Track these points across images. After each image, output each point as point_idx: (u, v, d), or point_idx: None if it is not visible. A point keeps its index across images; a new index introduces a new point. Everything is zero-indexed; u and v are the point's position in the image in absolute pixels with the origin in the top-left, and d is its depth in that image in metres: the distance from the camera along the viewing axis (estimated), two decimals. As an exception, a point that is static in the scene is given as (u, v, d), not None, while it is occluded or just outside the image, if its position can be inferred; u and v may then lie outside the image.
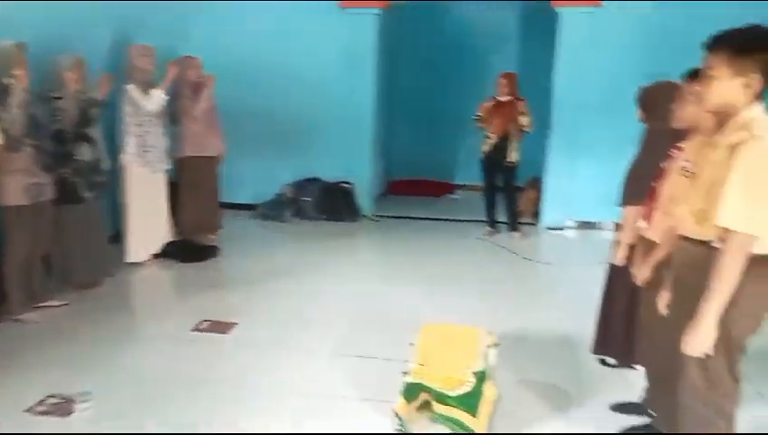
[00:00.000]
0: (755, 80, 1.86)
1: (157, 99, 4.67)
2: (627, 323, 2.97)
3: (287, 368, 3.27)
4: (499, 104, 5.74)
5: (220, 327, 3.76)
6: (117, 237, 4.87)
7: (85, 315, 3.90)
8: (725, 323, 1.90)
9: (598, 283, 3.21)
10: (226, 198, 6.11)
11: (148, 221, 4.85)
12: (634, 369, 3.07)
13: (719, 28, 1.95)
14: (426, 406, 2.61)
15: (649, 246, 2.57)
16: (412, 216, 6.81)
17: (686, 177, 2.12)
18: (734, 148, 1.86)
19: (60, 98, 3.98)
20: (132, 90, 4.60)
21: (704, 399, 2.00)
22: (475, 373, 2.54)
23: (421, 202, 7.48)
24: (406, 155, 8.31)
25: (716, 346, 1.92)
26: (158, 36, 5.33)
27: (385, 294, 4.45)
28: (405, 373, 2.67)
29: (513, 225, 6.06)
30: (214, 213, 5.46)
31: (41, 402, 2.84)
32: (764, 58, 1.85)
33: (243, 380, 3.13)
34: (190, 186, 5.18)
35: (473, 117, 5.89)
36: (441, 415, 2.55)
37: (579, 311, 3.83)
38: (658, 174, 2.53)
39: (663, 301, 2.30)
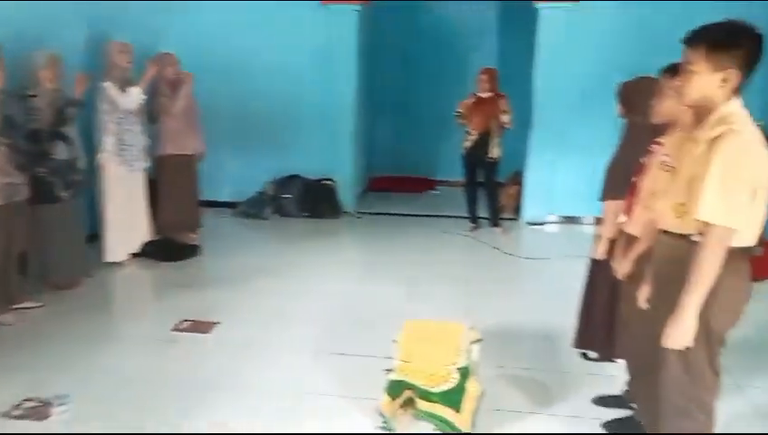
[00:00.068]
0: (733, 74, 1.87)
1: (134, 97, 4.59)
2: (608, 317, 2.99)
3: (270, 367, 3.25)
4: (480, 100, 5.74)
5: (201, 327, 3.72)
6: (95, 237, 4.79)
7: (62, 317, 3.84)
8: (705, 316, 1.92)
9: (579, 277, 3.23)
10: (207, 196, 6.06)
11: (126, 220, 4.78)
12: (615, 362, 3.09)
13: (697, 23, 1.96)
14: (409, 403, 2.61)
15: (630, 240, 2.58)
16: (394, 212, 6.81)
17: (666, 171, 2.13)
18: (712, 142, 1.87)
19: (35, 96, 3.90)
20: (109, 87, 4.52)
21: (684, 392, 2.02)
22: (458, 369, 2.54)
23: (403, 198, 7.48)
24: (387, 151, 8.31)
25: (697, 339, 1.93)
26: (134, 33, 5.24)
27: (367, 291, 4.44)
28: (388, 371, 2.66)
29: (495, 220, 6.08)
30: (193, 211, 5.39)
31: (17, 406, 2.79)
32: (741, 53, 1.86)
33: (225, 380, 3.10)
34: (169, 184, 5.11)
35: (454, 113, 5.89)
36: (425, 412, 2.55)
37: (560, 305, 3.84)
38: (639, 169, 2.55)
39: (643, 295, 2.32)
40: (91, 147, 4.59)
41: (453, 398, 2.49)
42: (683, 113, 2.31)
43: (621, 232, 2.71)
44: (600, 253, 2.96)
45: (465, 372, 2.56)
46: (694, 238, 1.95)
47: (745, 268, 1.97)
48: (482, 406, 2.76)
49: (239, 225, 6.27)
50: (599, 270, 3.03)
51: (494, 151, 5.78)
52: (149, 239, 5.03)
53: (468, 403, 2.55)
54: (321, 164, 6.59)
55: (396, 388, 2.56)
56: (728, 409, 2.36)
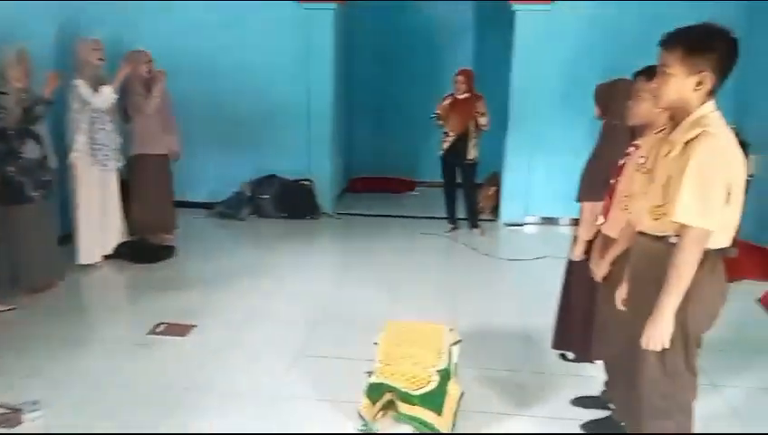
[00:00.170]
0: (708, 77, 1.89)
1: (106, 96, 4.49)
2: (585, 319, 3.00)
3: (248, 370, 3.21)
4: (457, 102, 5.75)
5: (178, 330, 3.66)
6: (67, 238, 4.69)
7: (34, 320, 3.75)
8: (682, 317, 1.94)
9: (557, 278, 3.24)
10: (182, 196, 5.98)
11: (99, 221, 4.70)
12: (593, 363, 3.11)
13: (672, 25, 1.98)
14: (390, 406, 2.59)
15: (607, 241, 2.60)
16: (373, 213, 6.79)
17: (643, 173, 2.14)
18: (688, 144, 1.89)
19: (4, 93, 3.80)
20: (81, 85, 4.42)
21: (662, 392, 2.04)
22: (438, 371, 2.53)
23: (382, 199, 7.47)
24: (366, 152, 8.29)
25: (674, 340, 1.95)
26: (106, 29, 5.15)
27: (346, 292, 4.41)
28: (369, 373, 2.65)
29: (474, 221, 6.09)
30: (168, 212, 5.30)
31: (-14, 414, 2.71)
32: (716, 56, 1.88)
33: (202, 384, 3.05)
34: (143, 184, 5.02)
35: (431, 116, 5.89)
36: (405, 415, 2.53)
37: (538, 306, 3.87)
38: (616, 170, 2.57)
39: (620, 296, 2.33)
40: (63, 145, 4.49)
41: (434, 400, 2.48)
42: (658, 116, 2.34)
43: (599, 233, 2.73)
44: (578, 254, 2.98)
45: (445, 375, 2.55)
46: (671, 240, 1.96)
47: (721, 270, 2.00)
48: (462, 408, 2.76)
49: (215, 226, 6.20)
50: (576, 271, 3.04)
51: (472, 153, 5.79)
52: (124, 240, 4.95)
53: (449, 406, 2.54)
54: (298, 164, 6.54)
55: (376, 391, 2.54)
56: (705, 409, 2.39)
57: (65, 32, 4.96)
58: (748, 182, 1.95)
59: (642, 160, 2.18)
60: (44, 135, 4.07)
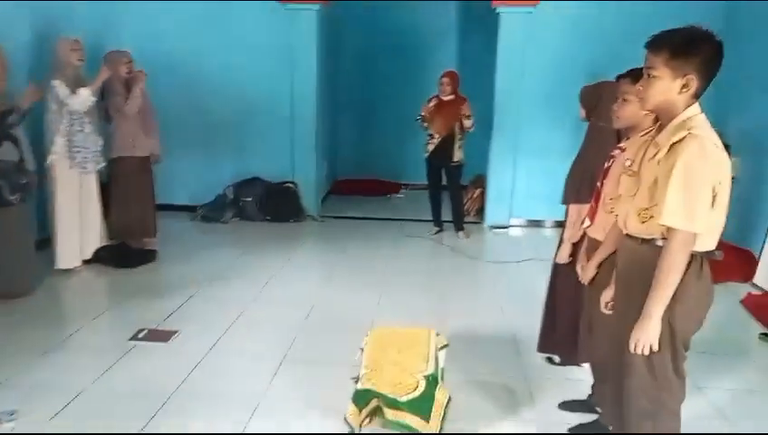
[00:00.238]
0: (693, 80, 1.89)
1: (83, 99, 4.39)
2: (571, 322, 3.00)
3: (232, 377, 3.16)
4: (442, 104, 5.74)
5: (160, 336, 3.60)
6: (45, 243, 4.60)
7: (11, 327, 3.66)
8: (670, 320, 1.93)
9: (542, 281, 3.24)
10: (165, 199, 5.91)
11: (78, 225, 4.60)
12: (580, 366, 3.11)
13: (656, 27, 1.98)
14: (377, 412, 2.55)
15: (593, 244, 2.59)
16: (358, 216, 6.77)
17: (629, 175, 2.14)
18: (673, 147, 1.89)
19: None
20: (59, 86, 4.33)
21: (650, 396, 2.03)
22: (426, 377, 2.50)
23: (367, 202, 7.44)
24: (351, 154, 8.28)
25: (661, 343, 1.94)
26: (85, 29, 5.06)
27: (331, 296, 4.37)
28: (355, 379, 2.61)
29: (459, 224, 6.08)
30: (149, 216, 5.21)
31: (-40, 424, 2.63)
32: (700, 59, 1.88)
33: (185, 391, 2.99)
34: (124, 187, 4.94)
35: (416, 118, 5.87)
36: (393, 421, 2.50)
37: (524, 309, 3.87)
38: (601, 173, 2.56)
39: (605, 298, 2.33)
40: (42, 147, 4.39)
41: (421, 406, 2.45)
42: (644, 118, 2.34)
43: (585, 236, 2.73)
44: (564, 257, 2.97)
45: (432, 380, 2.52)
46: (657, 243, 1.96)
47: (707, 272, 1.99)
48: (449, 413, 2.73)
49: (198, 229, 6.13)
50: (562, 274, 3.04)
51: (457, 155, 5.79)
52: (103, 245, 4.86)
53: (436, 411, 2.51)
54: (282, 166, 6.50)
55: (362, 397, 2.50)
56: (690, 411, 2.38)
57: (44, 31, 4.86)
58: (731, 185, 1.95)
59: (628, 163, 2.18)
60: (22, 137, 3.98)
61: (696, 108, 1.94)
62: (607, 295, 2.33)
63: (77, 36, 4.54)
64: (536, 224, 6.47)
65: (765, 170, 4.98)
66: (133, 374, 3.15)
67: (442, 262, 5.32)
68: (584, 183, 2.81)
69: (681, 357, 2.01)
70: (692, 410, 2.70)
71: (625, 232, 2.13)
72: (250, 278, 4.65)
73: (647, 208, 1.99)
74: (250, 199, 6.34)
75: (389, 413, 2.49)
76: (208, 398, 2.93)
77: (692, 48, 1.88)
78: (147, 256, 4.98)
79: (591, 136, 2.94)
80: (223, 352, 3.42)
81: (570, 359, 3.16)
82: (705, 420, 2.82)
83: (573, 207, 2.91)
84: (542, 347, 3.26)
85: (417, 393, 2.46)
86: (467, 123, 5.68)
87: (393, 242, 5.83)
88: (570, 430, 2.73)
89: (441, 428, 2.59)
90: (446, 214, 6.11)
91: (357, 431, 2.51)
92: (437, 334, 2.83)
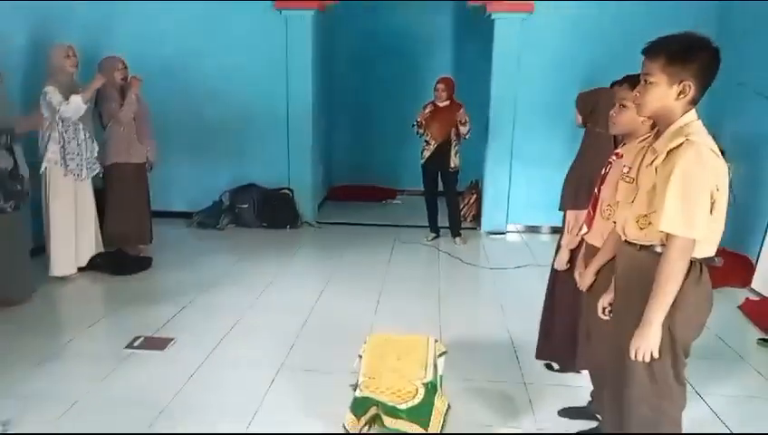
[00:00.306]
0: (690, 86, 1.89)
1: (74, 106, 4.34)
2: (571, 328, 2.99)
3: (229, 385, 3.13)
4: (438, 110, 5.74)
5: (156, 344, 3.57)
6: (40, 250, 4.57)
7: (6, 335, 3.63)
8: (670, 327, 1.93)
9: (540, 287, 3.23)
10: (160, 206, 5.89)
11: (73, 232, 4.58)
12: (579, 373, 3.10)
13: (651, 34, 1.98)
14: (376, 419, 2.54)
15: (591, 250, 2.59)
16: (354, 222, 6.75)
17: (627, 182, 2.14)
18: (671, 153, 1.89)
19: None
20: (52, 93, 4.30)
21: (650, 403, 2.02)
22: (425, 384, 2.49)
23: (363, 208, 7.43)
24: (347, 160, 8.27)
25: (662, 350, 1.93)
26: (80, 34, 5.05)
27: (328, 303, 4.35)
28: (353, 387, 2.59)
29: (456, 230, 6.08)
30: (145, 222, 5.19)
31: (-47, 435, 2.61)
32: (697, 66, 1.88)
33: (182, 399, 2.97)
34: (119, 194, 4.92)
35: (412, 124, 5.87)
36: (392, 429, 2.48)
37: (522, 316, 3.86)
38: (598, 179, 2.56)
39: (602, 305, 2.32)
40: (36, 154, 4.38)
41: (420, 414, 2.44)
42: (642, 124, 2.34)
43: (583, 243, 2.72)
44: (562, 263, 2.97)
45: (431, 388, 2.51)
46: (656, 249, 1.96)
47: (707, 279, 1.99)
48: (448, 420, 2.71)
49: (194, 236, 6.10)
50: (560, 281, 3.03)
51: (454, 161, 5.79)
52: (99, 252, 4.83)
53: (436, 419, 2.50)
54: (278, 173, 6.49)
55: (361, 405, 2.49)
56: (689, 417, 2.37)
57: (39, 35, 4.85)
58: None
59: (626, 169, 2.18)
60: (16, 144, 3.96)
61: (693, 114, 1.94)
62: (605, 300, 2.32)
63: (71, 43, 4.53)
64: (533, 229, 6.47)
65: (760, 175, 4.99)
66: (129, 383, 3.12)
67: (439, 268, 5.31)
68: (581, 189, 2.81)
69: (681, 364, 2.01)
70: (692, 417, 2.69)
71: (623, 239, 2.13)
72: (246, 285, 4.63)
73: (645, 215, 1.98)
74: (246, 206, 6.33)
75: (388, 421, 2.48)
76: (205, 407, 2.91)
77: (689, 54, 1.88)
78: (142, 263, 4.95)
79: (588, 142, 2.93)
80: (219, 361, 3.40)
81: (569, 366, 3.15)
82: (705, 426, 2.81)
83: (571, 214, 2.91)
84: (541, 354, 3.25)
85: (416, 401, 2.45)
86: (463, 130, 5.68)
87: (389, 248, 5.81)
88: (569, 438, 2.72)
89: (440, 436, 2.58)
90: (443, 220, 6.10)
91: (355, 440, 2.50)
92: (436, 341, 2.82)
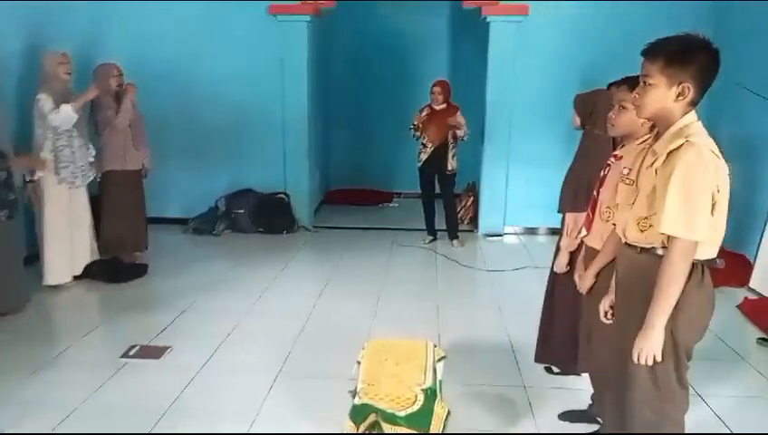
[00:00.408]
0: (690, 88, 1.88)
1: (64, 115, 4.29)
2: (570, 331, 2.97)
3: (226, 393, 3.10)
4: (434, 113, 5.73)
5: (152, 352, 3.53)
6: (34, 258, 4.53)
7: (1, 345, 3.58)
8: (672, 330, 1.91)
9: (538, 289, 3.21)
10: (156, 212, 5.85)
11: (68, 240, 4.54)
12: (580, 376, 3.07)
13: (648, 36, 1.97)
14: (375, 426, 2.51)
15: (591, 253, 2.57)
16: (351, 226, 6.73)
17: (627, 184, 2.12)
18: (671, 155, 1.87)
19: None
20: (44, 100, 4.26)
21: (653, 407, 2.00)
22: (424, 390, 2.47)
23: (360, 211, 7.41)
24: (343, 163, 8.25)
25: (664, 353, 1.91)
26: (74, 41, 5.02)
27: (325, 308, 4.33)
28: (352, 393, 2.57)
29: (453, 233, 6.06)
30: (140, 229, 5.15)
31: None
32: (696, 67, 1.87)
33: (179, 407, 2.94)
34: (114, 201, 4.88)
35: (409, 127, 5.86)
36: (391, 435, 2.46)
37: (521, 319, 3.84)
38: (597, 181, 2.55)
39: (603, 307, 2.30)
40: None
41: (420, 420, 2.41)
42: (641, 126, 2.33)
43: (582, 245, 2.70)
44: (561, 266, 2.95)
45: (431, 394, 2.49)
46: (657, 251, 1.94)
47: (709, 281, 1.97)
48: (448, 425, 2.69)
49: (190, 242, 6.07)
50: (560, 283, 3.02)
51: (451, 164, 5.78)
52: (94, 259, 4.79)
53: (436, 425, 2.47)
54: (274, 177, 6.46)
55: (360, 413, 2.46)
56: (691, 418, 2.36)
57: (34, 40, 4.82)
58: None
59: (626, 171, 2.16)
60: (9, 152, 3.93)
61: (692, 115, 1.93)
62: (606, 303, 2.30)
63: (65, 50, 4.49)
64: (530, 231, 6.45)
65: (758, 175, 4.99)
66: (126, 392, 3.09)
67: (436, 271, 5.28)
68: (580, 191, 2.79)
69: (684, 367, 1.99)
70: (693, 417, 2.67)
71: (624, 241, 2.11)
72: (243, 291, 4.60)
73: (646, 217, 1.97)
74: (242, 211, 6.30)
75: (388, 428, 2.45)
76: (202, 415, 2.88)
77: (688, 56, 1.87)
78: (138, 271, 4.91)
79: (586, 144, 2.92)
80: (217, 368, 3.37)
81: (569, 368, 3.13)
82: (705, 428, 2.79)
83: (570, 216, 2.89)
84: (540, 357, 3.23)
85: (415, 408, 2.42)
86: (460, 132, 5.67)
87: (387, 251, 5.79)
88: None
89: (441, 442, 2.55)
90: (440, 223, 6.08)
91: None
92: (435, 346, 2.80)
